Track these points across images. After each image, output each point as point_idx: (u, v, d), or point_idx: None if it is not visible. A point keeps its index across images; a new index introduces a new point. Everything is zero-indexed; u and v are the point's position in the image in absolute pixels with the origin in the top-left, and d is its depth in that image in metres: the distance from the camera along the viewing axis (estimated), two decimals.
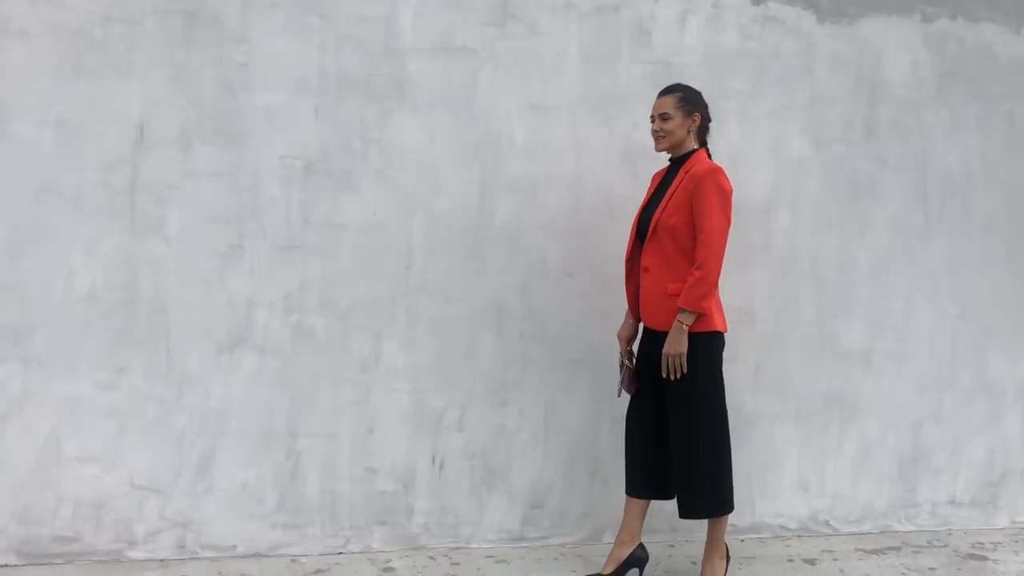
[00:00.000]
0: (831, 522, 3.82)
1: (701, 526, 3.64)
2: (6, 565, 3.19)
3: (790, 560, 3.51)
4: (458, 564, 3.35)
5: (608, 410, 3.60)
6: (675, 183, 3.14)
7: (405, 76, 3.44)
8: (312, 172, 3.38)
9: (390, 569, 3.28)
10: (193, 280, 3.30)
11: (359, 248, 3.43)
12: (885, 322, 3.87)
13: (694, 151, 3.18)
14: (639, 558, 3.20)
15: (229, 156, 3.32)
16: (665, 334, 3.07)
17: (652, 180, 3.34)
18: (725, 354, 3.59)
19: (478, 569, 3.31)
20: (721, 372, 3.15)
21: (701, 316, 3.03)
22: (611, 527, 3.60)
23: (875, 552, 3.62)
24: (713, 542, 3.18)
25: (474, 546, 3.52)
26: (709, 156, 3.20)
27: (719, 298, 3.16)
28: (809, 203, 3.80)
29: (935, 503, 3.93)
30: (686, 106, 3.16)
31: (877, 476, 3.87)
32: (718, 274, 3.04)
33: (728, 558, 3.22)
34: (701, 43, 3.68)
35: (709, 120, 3.24)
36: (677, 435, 3.11)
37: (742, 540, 3.70)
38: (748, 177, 3.73)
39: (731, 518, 3.71)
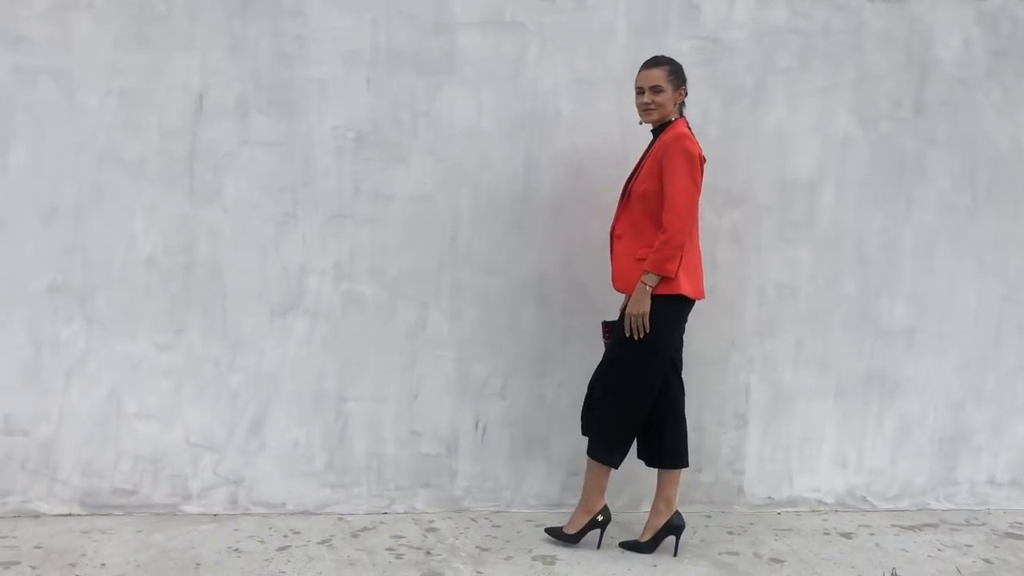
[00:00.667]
0: (868, 498, 3.85)
1: (735, 498, 3.72)
2: (70, 514, 3.36)
3: (826, 534, 3.55)
4: (499, 527, 3.45)
5: None
6: (654, 153, 3.19)
7: (455, 50, 3.50)
8: (363, 143, 3.47)
9: (433, 529, 3.38)
10: (248, 246, 3.42)
11: (407, 219, 3.51)
12: (929, 301, 3.87)
13: (672, 121, 3.23)
14: (676, 526, 3.27)
15: (284, 126, 3.42)
16: None
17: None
18: (764, 328, 3.67)
19: (518, 532, 3.40)
20: (676, 336, 3.27)
21: (666, 279, 3.09)
22: (648, 496, 3.66)
23: (912, 528, 3.65)
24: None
25: (514, 510, 3.61)
26: (688, 126, 3.24)
27: (696, 263, 3.22)
28: (855, 181, 3.79)
29: (974, 482, 3.94)
30: (675, 79, 3.21)
31: (916, 454, 3.88)
32: (683, 237, 3.08)
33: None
34: (750, 19, 3.68)
35: (687, 94, 3.30)
36: (599, 371, 3.25)
37: (779, 513, 3.74)
38: (794, 154, 3.74)
39: (768, 491, 3.77)
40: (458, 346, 3.57)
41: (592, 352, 3.62)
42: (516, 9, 3.53)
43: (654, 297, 3.10)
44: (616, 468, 3.28)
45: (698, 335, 3.67)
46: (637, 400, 3.20)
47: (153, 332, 3.39)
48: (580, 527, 3.27)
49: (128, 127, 3.33)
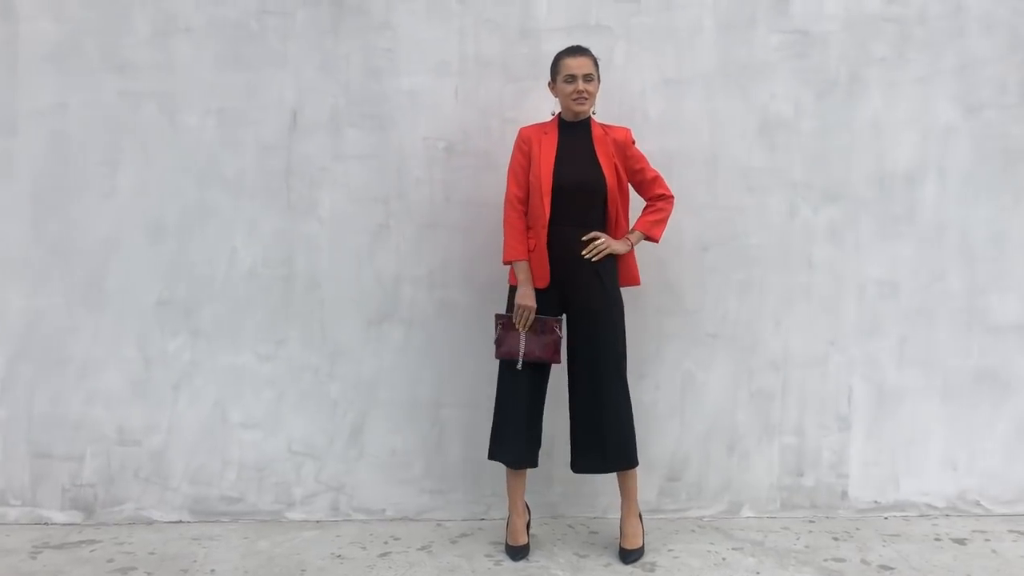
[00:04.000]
0: (982, 502, 3.68)
1: (839, 503, 3.61)
2: (180, 521, 3.47)
3: (938, 539, 3.42)
4: (596, 533, 3.42)
5: (745, 384, 3.60)
6: (603, 147, 3.17)
7: (541, 55, 3.48)
8: (453, 152, 3.50)
9: (531, 536, 3.37)
10: (344, 257, 3.49)
11: (498, 226, 3.49)
12: None
13: (593, 115, 3.23)
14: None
15: (375, 139, 3.48)
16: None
17: (530, 139, 3.18)
18: (865, 328, 3.67)
19: (615, 538, 3.35)
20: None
21: (630, 270, 3.25)
22: (750, 501, 3.60)
23: None
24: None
25: (611, 516, 3.57)
26: None
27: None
28: (958, 172, 3.65)
29: None
30: (598, 70, 3.21)
31: None
32: None
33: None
34: (842, 9, 3.58)
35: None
36: (607, 391, 3.18)
37: (886, 518, 3.62)
38: (891, 146, 3.62)
39: (874, 495, 3.65)
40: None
41: (688, 354, 3.59)
42: (601, 12, 3.52)
43: (616, 291, 3.22)
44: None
45: (796, 336, 3.59)
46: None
47: (255, 343, 3.49)
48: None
49: (227, 145, 3.44)
